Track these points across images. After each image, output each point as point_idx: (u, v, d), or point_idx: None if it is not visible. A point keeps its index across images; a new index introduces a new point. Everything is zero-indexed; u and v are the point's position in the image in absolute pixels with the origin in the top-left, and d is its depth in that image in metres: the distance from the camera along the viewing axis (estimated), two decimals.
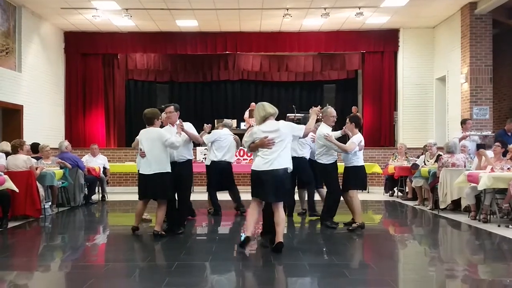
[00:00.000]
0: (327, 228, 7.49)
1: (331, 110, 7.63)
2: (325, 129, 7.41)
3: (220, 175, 8.91)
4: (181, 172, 7.20)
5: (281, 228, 5.90)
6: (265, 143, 5.83)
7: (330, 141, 7.22)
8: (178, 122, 7.12)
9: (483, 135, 10.90)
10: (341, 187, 7.58)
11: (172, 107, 7.30)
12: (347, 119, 7.75)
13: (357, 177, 7.50)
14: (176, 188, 7.20)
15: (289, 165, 5.93)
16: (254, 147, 5.99)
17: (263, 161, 5.86)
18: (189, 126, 7.37)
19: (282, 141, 5.87)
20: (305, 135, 6.33)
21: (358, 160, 7.48)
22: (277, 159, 5.81)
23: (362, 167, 7.58)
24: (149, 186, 6.88)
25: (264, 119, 6.02)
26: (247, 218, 6.21)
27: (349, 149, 7.33)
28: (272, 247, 5.88)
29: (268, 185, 5.82)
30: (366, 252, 6.59)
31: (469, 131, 11.11)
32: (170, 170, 6.93)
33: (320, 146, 7.49)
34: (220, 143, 8.86)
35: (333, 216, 7.64)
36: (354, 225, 7.40)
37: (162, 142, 6.79)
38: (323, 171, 7.64)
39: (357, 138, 7.45)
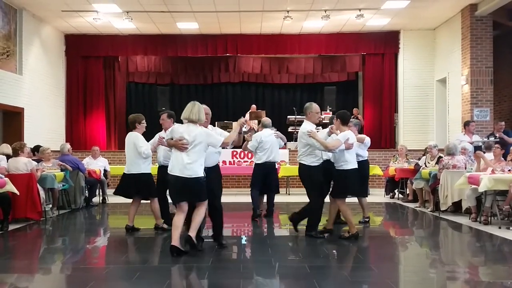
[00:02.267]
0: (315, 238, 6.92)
1: (316, 106, 6.94)
2: (308, 126, 6.78)
3: (265, 177, 8.72)
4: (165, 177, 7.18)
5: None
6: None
7: (313, 137, 6.57)
8: (159, 135, 7.22)
9: (489, 141, 10.84)
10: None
11: (165, 114, 7.58)
12: (335, 117, 7.08)
13: (344, 183, 6.78)
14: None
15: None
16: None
17: None
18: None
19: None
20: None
21: (347, 163, 6.74)
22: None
23: (352, 171, 6.79)
24: (126, 185, 7.46)
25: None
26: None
27: (330, 146, 6.57)
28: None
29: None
30: (367, 254, 6.59)
31: (472, 133, 11.09)
32: (148, 171, 7.39)
33: (304, 145, 6.79)
34: (263, 145, 8.64)
35: (316, 225, 7.03)
36: (346, 234, 6.87)
37: (136, 147, 7.24)
38: (304, 173, 6.91)
39: (343, 135, 6.68)
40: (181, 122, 6.43)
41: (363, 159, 7.98)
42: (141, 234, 7.57)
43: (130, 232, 7.46)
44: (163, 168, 7.22)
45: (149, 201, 7.56)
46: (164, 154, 7.35)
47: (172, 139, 5.98)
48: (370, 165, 13.40)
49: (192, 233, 5.89)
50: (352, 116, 16.22)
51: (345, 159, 6.72)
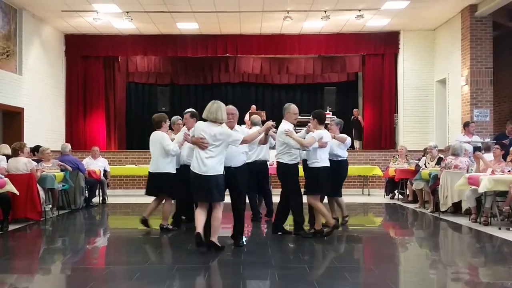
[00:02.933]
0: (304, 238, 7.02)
1: (294, 107, 7.11)
2: (286, 126, 6.94)
3: (257, 176, 8.56)
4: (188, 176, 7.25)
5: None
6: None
7: (290, 136, 6.73)
8: (184, 132, 7.16)
9: (485, 141, 10.85)
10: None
11: (188, 113, 7.60)
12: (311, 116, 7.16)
13: (313, 181, 6.90)
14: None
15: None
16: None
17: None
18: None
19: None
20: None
21: (318, 161, 6.84)
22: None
23: (324, 169, 6.90)
24: (150, 183, 7.59)
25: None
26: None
27: (305, 143, 6.73)
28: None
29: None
30: (366, 254, 6.59)
31: (472, 133, 11.10)
32: (171, 171, 7.42)
33: (281, 144, 6.97)
34: (252, 144, 8.63)
35: (302, 223, 7.11)
36: (326, 229, 6.97)
37: (163, 146, 7.31)
38: (281, 171, 7.12)
39: (318, 134, 6.86)
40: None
41: (342, 159, 7.81)
42: (141, 234, 7.57)
43: (143, 224, 7.58)
44: (186, 167, 7.21)
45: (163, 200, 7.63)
46: (187, 153, 7.34)
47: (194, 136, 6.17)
48: (369, 166, 13.66)
49: (214, 237, 6.05)
50: (352, 117, 16.26)
51: (316, 157, 6.85)
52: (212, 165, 5.93)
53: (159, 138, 7.39)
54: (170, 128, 8.02)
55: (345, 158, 7.92)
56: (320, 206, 6.92)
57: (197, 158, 6.03)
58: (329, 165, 7.00)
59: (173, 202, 7.80)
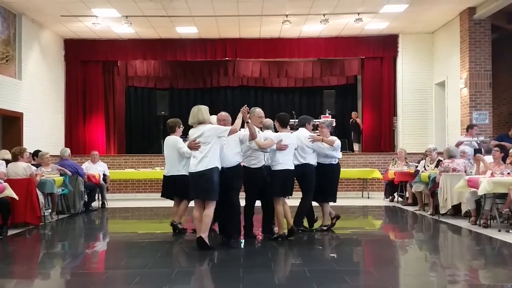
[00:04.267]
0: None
1: (259, 111, 7.12)
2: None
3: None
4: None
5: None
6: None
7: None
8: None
9: (481, 141, 10.88)
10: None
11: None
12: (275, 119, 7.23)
13: (272, 183, 6.92)
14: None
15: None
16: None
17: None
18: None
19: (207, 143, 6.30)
20: (229, 135, 6.38)
21: (277, 163, 6.88)
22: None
23: (282, 172, 6.87)
24: (166, 186, 7.82)
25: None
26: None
27: (262, 145, 6.75)
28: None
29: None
30: (366, 257, 6.58)
31: (474, 136, 11.10)
32: (185, 173, 7.44)
33: (247, 148, 6.98)
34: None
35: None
36: (276, 235, 7.02)
37: (177, 148, 7.56)
38: (245, 176, 7.02)
39: (277, 136, 6.91)
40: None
41: (332, 162, 7.71)
42: (140, 238, 7.57)
43: (177, 232, 7.63)
44: None
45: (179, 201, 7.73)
46: None
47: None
48: (368, 169, 13.64)
49: (204, 233, 6.25)
50: (351, 120, 16.27)
51: (276, 160, 6.89)
52: (206, 162, 6.24)
53: (173, 142, 7.62)
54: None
55: (336, 162, 7.78)
56: (279, 210, 6.91)
57: (193, 160, 6.40)
58: (291, 168, 6.98)
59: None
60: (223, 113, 6.81)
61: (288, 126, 7.21)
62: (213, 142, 6.30)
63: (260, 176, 7.06)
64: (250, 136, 6.69)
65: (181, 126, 7.85)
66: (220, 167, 6.36)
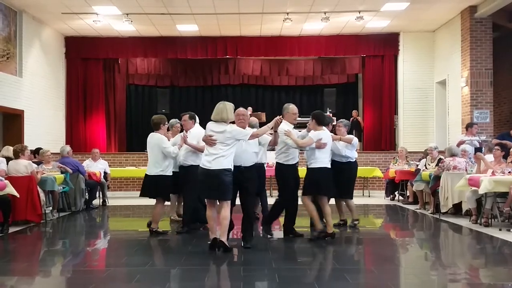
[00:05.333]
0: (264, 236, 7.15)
1: (293, 107, 7.11)
2: (285, 126, 6.87)
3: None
4: (187, 175, 7.32)
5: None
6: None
7: (289, 136, 6.71)
8: (183, 134, 7.28)
9: (482, 140, 10.87)
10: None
11: (187, 115, 7.58)
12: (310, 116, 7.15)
13: (309, 181, 6.87)
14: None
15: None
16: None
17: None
18: (196, 133, 7.29)
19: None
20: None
21: (316, 161, 6.81)
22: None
23: (322, 170, 6.83)
24: (147, 186, 7.39)
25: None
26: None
27: (300, 143, 6.74)
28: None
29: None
30: (367, 256, 6.58)
31: (474, 135, 11.09)
32: (169, 174, 7.36)
33: (280, 143, 6.92)
34: None
35: (271, 223, 7.27)
36: (314, 233, 6.94)
37: (161, 148, 7.20)
38: (277, 171, 7.08)
39: (316, 134, 6.80)
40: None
41: (350, 160, 7.82)
42: (141, 236, 7.57)
43: (154, 234, 7.37)
44: (182, 169, 7.47)
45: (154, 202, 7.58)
46: (184, 154, 7.40)
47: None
48: (369, 167, 13.63)
49: (223, 237, 6.12)
50: (352, 118, 16.26)
51: (315, 157, 6.81)
52: (220, 162, 6.03)
53: (157, 140, 7.28)
54: (168, 130, 8.02)
55: (353, 160, 7.91)
56: (311, 208, 6.89)
57: (206, 155, 6.13)
58: (329, 166, 6.94)
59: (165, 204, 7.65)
60: (241, 109, 6.48)
61: (324, 124, 7.05)
62: (232, 144, 6.10)
63: (293, 172, 7.00)
64: (272, 142, 6.70)
65: (166, 123, 7.54)
66: (232, 169, 6.16)
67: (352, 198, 8.05)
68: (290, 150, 6.94)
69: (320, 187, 6.84)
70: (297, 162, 7.11)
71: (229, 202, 6.18)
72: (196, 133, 7.28)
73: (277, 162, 7.08)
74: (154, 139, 7.32)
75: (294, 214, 7.22)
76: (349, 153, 7.75)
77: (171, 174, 7.41)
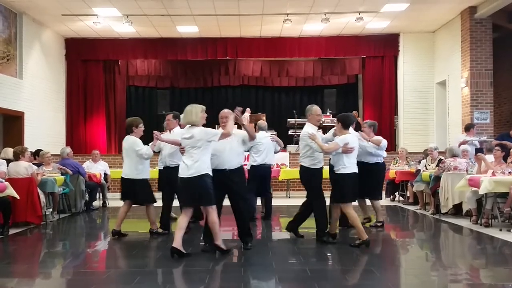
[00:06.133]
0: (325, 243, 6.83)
1: (316, 108, 6.94)
2: (310, 128, 6.77)
3: (260, 180, 8.71)
4: (171, 177, 7.18)
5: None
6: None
7: (314, 140, 6.51)
8: (155, 133, 7.15)
9: (482, 140, 10.86)
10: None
11: (170, 115, 7.61)
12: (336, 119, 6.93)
13: (338, 188, 6.65)
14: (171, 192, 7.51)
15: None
16: None
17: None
18: (179, 133, 7.25)
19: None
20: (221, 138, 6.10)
21: (345, 167, 6.52)
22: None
23: (350, 175, 6.56)
24: (126, 189, 7.42)
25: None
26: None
27: (325, 149, 6.50)
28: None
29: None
30: (367, 257, 6.57)
31: (477, 136, 11.08)
32: (145, 177, 7.39)
33: (303, 147, 6.80)
34: (258, 147, 8.59)
35: (325, 229, 6.87)
36: (357, 241, 6.60)
37: (135, 150, 7.19)
38: (303, 175, 6.92)
39: (342, 139, 6.51)
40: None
41: (379, 161, 7.89)
42: (141, 238, 7.57)
43: (117, 237, 7.38)
44: (168, 169, 7.41)
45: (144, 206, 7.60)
46: (168, 154, 7.37)
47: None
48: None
49: (218, 241, 6.06)
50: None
51: (343, 163, 6.53)
52: (197, 167, 5.89)
53: (131, 143, 7.23)
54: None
55: (381, 161, 7.95)
56: (352, 215, 6.61)
57: (183, 164, 6.03)
58: (357, 171, 6.67)
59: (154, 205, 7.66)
60: (225, 111, 6.44)
61: (350, 128, 6.80)
62: (204, 147, 5.95)
63: (318, 176, 6.84)
64: (249, 137, 6.52)
65: (140, 125, 7.34)
66: (211, 173, 6.00)
67: (378, 199, 8.08)
68: (315, 154, 6.73)
69: (347, 195, 6.61)
70: (322, 166, 6.91)
71: (214, 207, 6.02)
72: (179, 132, 7.19)
73: (302, 166, 6.87)
74: (128, 142, 7.28)
75: (307, 217, 7.14)
76: (376, 154, 7.76)
77: (147, 177, 7.42)
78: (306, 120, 7.18)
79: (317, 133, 6.78)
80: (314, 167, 6.78)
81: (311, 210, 6.97)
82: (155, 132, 7.13)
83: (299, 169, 7.02)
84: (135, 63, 16.87)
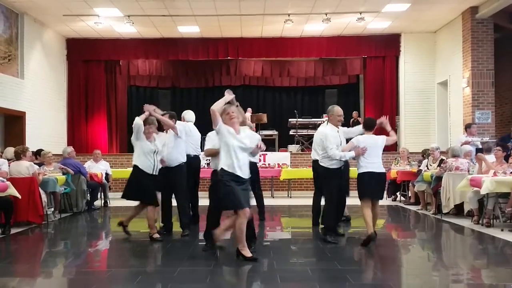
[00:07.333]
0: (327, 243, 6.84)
1: (338, 109, 7.02)
2: (329, 129, 6.93)
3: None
4: (170, 177, 7.31)
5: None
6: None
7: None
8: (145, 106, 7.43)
9: (484, 141, 10.85)
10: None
11: (167, 115, 7.77)
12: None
13: (358, 186, 6.89)
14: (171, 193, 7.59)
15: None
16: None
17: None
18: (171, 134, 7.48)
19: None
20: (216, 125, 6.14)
21: (360, 167, 6.78)
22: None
23: (361, 175, 6.79)
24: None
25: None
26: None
27: (338, 156, 6.75)
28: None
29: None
30: (369, 256, 6.57)
31: (474, 135, 11.08)
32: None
33: (322, 148, 7.01)
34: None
35: (331, 228, 6.98)
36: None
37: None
38: (322, 175, 7.11)
39: (349, 143, 6.86)
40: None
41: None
42: (143, 237, 7.57)
43: (121, 229, 7.54)
44: (167, 169, 7.41)
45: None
46: (167, 154, 7.42)
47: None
48: None
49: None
50: (352, 119, 16.24)
51: (359, 163, 6.79)
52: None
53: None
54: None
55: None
56: (363, 212, 6.80)
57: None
58: (374, 171, 6.77)
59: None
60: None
61: (371, 129, 7.03)
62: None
63: (338, 176, 6.95)
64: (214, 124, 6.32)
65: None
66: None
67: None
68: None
69: (360, 193, 6.86)
70: (342, 166, 6.97)
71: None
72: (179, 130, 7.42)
73: (321, 166, 6.99)
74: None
75: (340, 211, 7.34)
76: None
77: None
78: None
79: (333, 134, 6.87)
80: (332, 167, 6.87)
81: (342, 203, 7.28)
82: (146, 106, 7.29)
83: (311, 168, 7.23)
84: (136, 63, 16.89)
